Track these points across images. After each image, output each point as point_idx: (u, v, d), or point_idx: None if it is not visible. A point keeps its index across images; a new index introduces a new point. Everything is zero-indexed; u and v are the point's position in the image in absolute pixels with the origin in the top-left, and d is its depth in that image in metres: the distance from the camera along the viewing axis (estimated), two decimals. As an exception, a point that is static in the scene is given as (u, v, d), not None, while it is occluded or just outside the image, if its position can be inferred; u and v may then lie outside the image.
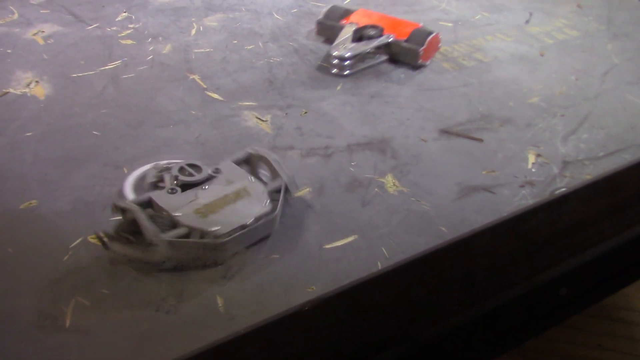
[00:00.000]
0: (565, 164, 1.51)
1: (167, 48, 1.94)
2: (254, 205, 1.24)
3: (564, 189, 1.41)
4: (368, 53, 1.87)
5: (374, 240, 1.28)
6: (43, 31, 1.99)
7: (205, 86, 1.77)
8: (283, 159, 1.49)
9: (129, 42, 1.96)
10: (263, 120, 1.63)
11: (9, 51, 1.87)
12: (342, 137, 1.58)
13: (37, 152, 1.48)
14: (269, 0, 2.27)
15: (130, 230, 1.18)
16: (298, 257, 1.23)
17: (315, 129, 1.61)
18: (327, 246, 1.26)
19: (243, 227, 1.21)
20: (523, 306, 1.48)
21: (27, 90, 1.70)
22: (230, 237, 1.18)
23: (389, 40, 1.88)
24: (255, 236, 1.24)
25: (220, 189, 1.27)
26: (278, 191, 1.30)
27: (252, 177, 1.31)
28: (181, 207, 1.22)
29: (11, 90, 1.70)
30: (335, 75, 1.83)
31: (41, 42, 1.94)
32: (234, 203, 1.24)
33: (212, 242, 1.17)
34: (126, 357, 1.03)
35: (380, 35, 1.88)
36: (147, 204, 1.23)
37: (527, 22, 2.22)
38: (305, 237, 1.27)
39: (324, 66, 1.86)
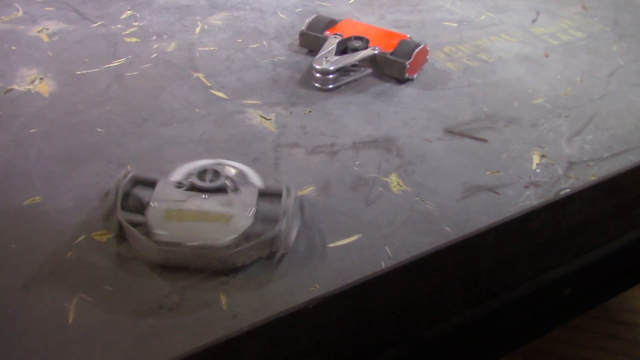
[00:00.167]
0: (570, 164, 1.51)
1: (171, 46, 1.94)
2: (216, 235, 1.15)
3: (568, 190, 1.41)
4: (353, 66, 1.80)
5: (378, 239, 1.27)
6: (48, 28, 1.99)
7: (209, 84, 1.77)
8: (287, 158, 1.49)
9: (134, 40, 1.96)
10: (267, 119, 1.63)
11: (13, 48, 1.88)
12: (346, 136, 1.58)
13: (41, 148, 1.48)
14: (273, -1, 2.27)
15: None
16: (301, 256, 1.22)
17: (319, 127, 1.61)
18: (331, 245, 1.25)
19: (180, 245, 1.14)
20: (526, 307, 1.48)
21: (31, 87, 1.71)
22: (161, 247, 1.13)
23: (375, 53, 1.81)
24: (194, 262, 1.16)
25: (213, 204, 1.20)
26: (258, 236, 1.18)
27: (252, 211, 1.19)
28: (165, 200, 1.20)
29: (15, 87, 1.70)
30: (318, 89, 1.76)
31: (46, 39, 1.94)
32: (205, 222, 1.17)
33: (145, 242, 1.14)
34: (129, 354, 1.03)
35: (366, 48, 1.82)
36: (152, 184, 1.24)
37: (533, 21, 2.21)
38: (309, 235, 1.27)
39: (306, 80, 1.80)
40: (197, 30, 2.05)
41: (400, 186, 1.42)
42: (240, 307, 1.11)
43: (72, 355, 1.02)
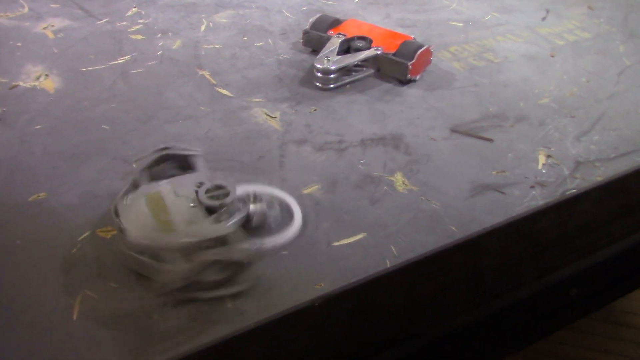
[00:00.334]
0: (576, 165, 1.50)
1: (176, 44, 1.94)
2: (144, 229, 1.13)
3: (574, 190, 1.41)
4: (355, 66, 1.79)
5: (383, 238, 1.27)
6: (53, 25, 1.99)
7: (214, 82, 1.76)
8: (292, 156, 1.49)
9: (139, 37, 1.96)
10: (272, 117, 1.63)
11: (19, 44, 1.87)
12: (351, 135, 1.57)
13: (46, 145, 1.48)
14: (279, -3, 2.27)
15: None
16: (306, 254, 1.22)
17: (324, 126, 1.60)
18: (336, 243, 1.25)
19: (141, 252, 1.12)
20: (531, 307, 1.47)
21: (36, 83, 1.70)
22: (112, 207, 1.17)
23: (377, 53, 1.80)
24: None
25: (182, 209, 1.17)
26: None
27: (190, 241, 1.13)
28: (165, 184, 1.21)
29: (21, 83, 1.70)
30: (319, 89, 1.76)
31: (51, 36, 1.94)
32: (157, 216, 1.16)
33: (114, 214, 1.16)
34: (133, 351, 1.03)
35: (368, 48, 1.81)
36: (189, 165, 1.29)
37: (543, 19, 2.21)
38: (314, 233, 1.27)
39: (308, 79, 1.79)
40: (203, 28, 2.04)
41: (406, 185, 1.42)
42: (245, 305, 1.11)
43: (76, 350, 1.02)
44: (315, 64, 1.75)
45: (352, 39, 1.84)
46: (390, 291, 1.22)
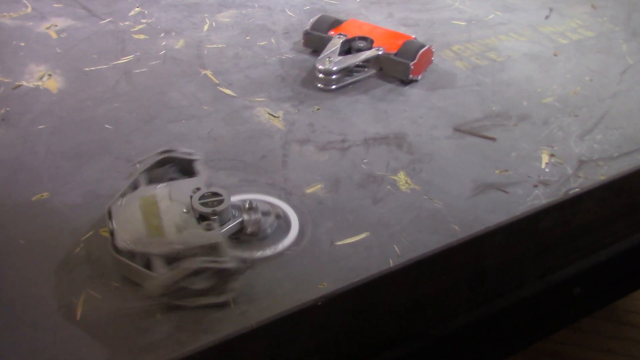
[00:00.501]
0: (580, 164, 1.50)
1: (179, 43, 1.94)
2: (133, 233, 1.12)
3: (577, 189, 1.40)
4: (356, 66, 1.78)
5: (386, 237, 1.27)
6: (56, 25, 2.00)
7: (217, 82, 1.76)
8: (295, 155, 1.49)
9: (142, 36, 1.96)
10: (275, 116, 1.63)
11: (22, 44, 1.88)
12: (354, 134, 1.57)
13: (49, 145, 1.48)
14: (281, -3, 2.27)
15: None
16: (309, 254, 1.22)
17: (327, 125, 1.60)
18: (339, 243, 1.25)
19: (132, 255, 1.11)
20: (534, 306, 1.47)
21: (40, 83, 1.71)
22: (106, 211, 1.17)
23: (379, 53, 1.79)
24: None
25: (174, 215, 1.16)
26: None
27: (175, 248, 1.12)
28: (161, 187, 1.21)
29: (24, 83, 1.70)
30: (321, 89, 1.75)
31: (54, 35, 1.94)
32: (148, 220, 1.15)
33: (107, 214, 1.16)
34: (136, 350, 1.03)
35: (370, 48, 1.80)
36: (189, 169, 1.28)
37: (547, 17, 2.20)
38: (317, 233, 1.27)
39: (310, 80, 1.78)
40: (206, 27, 2.04)
41: (409, 184, 1.42)
42: (248, 305, 1.11)
43: (79, 349, 1.02)
44: (317, 65, 1.75)
45: (353, 39, 1.84)
46: (393, 290, 1.22)
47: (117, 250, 1.12)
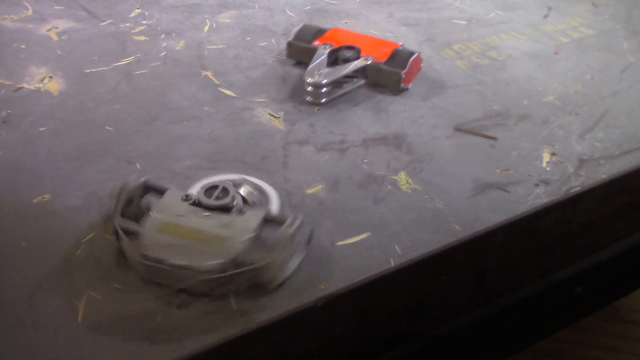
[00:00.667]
0: (581, 162, 1.50)
1: (180, 44, 1.94)
2: (198, 257, 1.10)
3: (578, 188, 1.40)
4: (345, 77, 1.70)
5: (387, 237, 1.27)
6: (57, 27, 2.00)
7: (218, 82, 1.77)
8: (296, 156, 1.49)
9: (142, 38, 1.97)
10: (276, 117, 1.63)
11: (23, 47, 1.88)
12: (354, 134, 1.57)
13: (50, 146, 1.48)
14: (282, -3, 2.27)
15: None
16: (310, 254, 1.22)
17: (328, 125, 1.60)
18: (340, 243, 1.25)
19: (160, 262, 1.10)
20: (535, 306, 1.47)
21: (40, 85, 1.71)
22: (140, 260, 1.11)
23: (367, 63, 1.72)
24: (169, 280, 1.11)
25: (211, 224, 1.15)
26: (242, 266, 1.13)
27: (245, 240, 1.13)
28: (165, 212, 1.16)
29: (25, 85, 1.71)
30: (310, 103, 1.68)
31: (55, 37, 1.94)
32: (193, 241, 1.12)
33: (131, 250, 1.12)
34: (138, 352, 1.03)
35: (358, 57, 1.73)
36: (161, 193, 1.22)
37: (545, 16, 2.20)
38: (318, 233, 1.27)
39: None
40: (206, 28, 2.05)
41: (410, 184, 1.42)
42: (249, 306, 1.11)
43: (81, 352, 1.02)
44: (306, 78, 1.67)
45: (340, 48, 1.76)
46: (394, 290, 1.22)
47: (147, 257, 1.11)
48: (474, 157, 1.51)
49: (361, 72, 1.74)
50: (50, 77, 1.75)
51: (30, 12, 2.08)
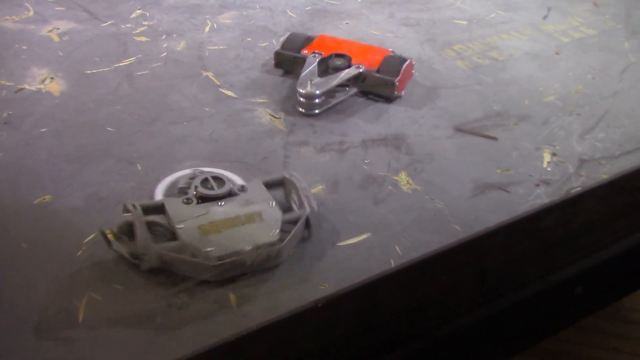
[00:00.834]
0: (581, 163, 1.49)
1: (181, 45, 1.94)
2: (261, 233, 1.17)
3: (579, 188, 1.40)
4: (337, 86, 1.66)
5: (387, 238, 1.27)
6: (58, 28, 2.00)
7: (218, 83, 1.77)
8: (296, 156, 1.49)
9: (143, 39, 1.97)
10: (277, 118, 1.63)
11: (24, 48, 1.88)
12: (355, 135, 1.57)
13: (51, 147, 1.48)
14: (282, -3, 2.27)
15: (130, 233, 1.17)
16: (311, 254, 1.22)
17: (328, 126, 1.61)
18: (340, 243, 1.25)
19: (238, 253, 1.14)
20: (536, 306, 1.47)
21: (42, 86, 1.71)
22: (221, 262, 1.12)
23: (360, 71, 1.67)
24: (254, 264, 1.16)
25: (235, 208, 1.21)
26: (297, 222, 1.22)
27: (273, 203, 1.23)
28: (187, 219, 1.17)
29: (26, 86, 1.71)
30: (303, 114, 1.64)
31: (56, 38, 1.95)
32: (241, 226, 1.18)
33: (201, 264, 1.12)
34: (138, 353, 1.03)
35: (348, 66, 1.69)
36: (160, 209, 1.21)
37: (544, 17, 2.20)
38: (319, 234, 1.27)
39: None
40: (207, 29, 2.05)
41: (410, 184, 1.42)
42: (250, 306, 1.11)
43: (81, 353, 1.02)
44: (298, 89, 1.62)
45: (330, 57, 1.72)
46: (394, 291, 1.22)
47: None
48: (474, 158, 1.51)
49: (352, 80, 1.69)
50: (52, 78, 1.75)
51: (31, 13, 2.09)
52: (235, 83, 1.77)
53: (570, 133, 1.61)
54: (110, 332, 1.06)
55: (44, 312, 1.09)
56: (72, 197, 1.34)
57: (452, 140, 1.57)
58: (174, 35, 2.00)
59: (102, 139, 1.52)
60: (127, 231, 1.17)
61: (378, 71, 1.69)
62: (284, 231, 1.19)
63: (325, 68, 1.71)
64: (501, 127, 1.62)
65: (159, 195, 1.31)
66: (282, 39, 1.81)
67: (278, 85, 1.77)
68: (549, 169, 1.47)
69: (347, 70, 1.68)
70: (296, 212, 1.25)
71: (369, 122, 1.63)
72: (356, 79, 1.69)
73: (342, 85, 1.67)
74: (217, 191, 1.24)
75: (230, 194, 1.24)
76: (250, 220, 1.20)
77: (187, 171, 1.36)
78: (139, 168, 1.43)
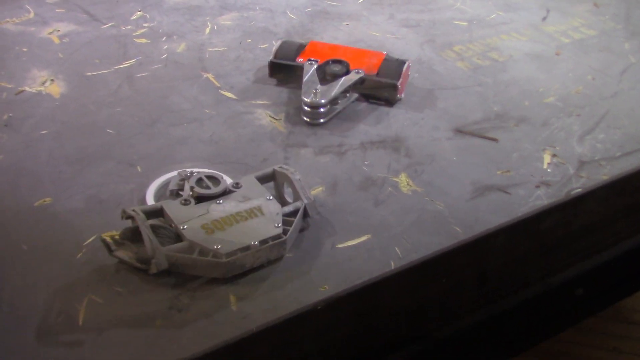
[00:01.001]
0: (582, 164, 1.49)
1: (181, 47, 1.94)
2: (264, 227, 1.19)
3: (579, 190, 1.40)
4: (340, 93, 1.63)
5: (387, 239, 1.27)
6: (58, 30, 2.00)
7: (219, 85, 1.77)
8: (296, 158, 1.49)
9: (144, 40, 1.97)
10: (276, 119, 1.63)
11: (24, 50, 1.89)
12: (355, 136, 1.57)
13: (51, 150, 1.48)
14: (283, -1, 2.27)
15: (133, 238, 1.17)
16: (311, 256, 1.22)
17: (328, 127, 1.61)
18: (340, 245, 1.25)
19: (247, 248, 1.15)
20: (537, 307, 1.47)
21: (42, 88, 1.71)
22: (230, 258, 1.13)
23: (360, 76, 1.66)
24: (261, 258, 1.17)
25: (234, 205, 1.23)
26: (296, 213, 1.24)
27: (270, 196, 1.25)
28: (189, 220, 1.18)
29: (27, 88, 1.71)
30: (308, 124, 1.61)
31: (56, 40, 1.95)
32: (244, 222, 1.20)
33: (211, 261, 1.13)
34: (139, 355, 1.03)
35: (347, 71, 1.67)
36: (159, 213, 1.22)
37: (544, 19, 2.20)
38: (318, 235, 1.27)
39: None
40: (207, 30, 2.05)
41: (410, 186, 1.42)
42: (250, 308, 1.11)
43: (82, 355, 1.02)
44: (304, 98, 1.59)
45: (326, 63, 1.70)
46: (394, 293, 1.22)
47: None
48: (474, 159, 1.51)
49: (352, 86, 1.67)
50: (52, 80, 1.75)
51: (31, 15, 2.09)
52: (235, 85, 1.77)
53: (571, 134, 1.61)
54: (110, 334, 1.06)
55: (44, 314, 1.09)
56: (73, 199, 1.34)
57: (452, 142, 1.57)
58: (174, 36, 2.00)
59: (103, 140, 1.52)
60: (130, 236, 1.17)
61: (379, 75, 1.68)
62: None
63: (323, 75, 1.69)
64: (501, 128, 1.62)
65: (150, 199, 1.31)
66: (275, 48, 1.78)
67: (278, 87, 1.77)
68: (549, 170, 1.47)
69: (348, 76, 1.66)
70: (293, 203, 1.28)
71: (368, 123, 1.63)
72: (356, 84, 1.68)
73: (343, 92, 1.65)
74: (214, 190, 1.25)
75: (226, 192, 1.26)
76: (252, 215, 1.22)
77: (173, 173, 1.36)
78: (139, 170, 1.43)
